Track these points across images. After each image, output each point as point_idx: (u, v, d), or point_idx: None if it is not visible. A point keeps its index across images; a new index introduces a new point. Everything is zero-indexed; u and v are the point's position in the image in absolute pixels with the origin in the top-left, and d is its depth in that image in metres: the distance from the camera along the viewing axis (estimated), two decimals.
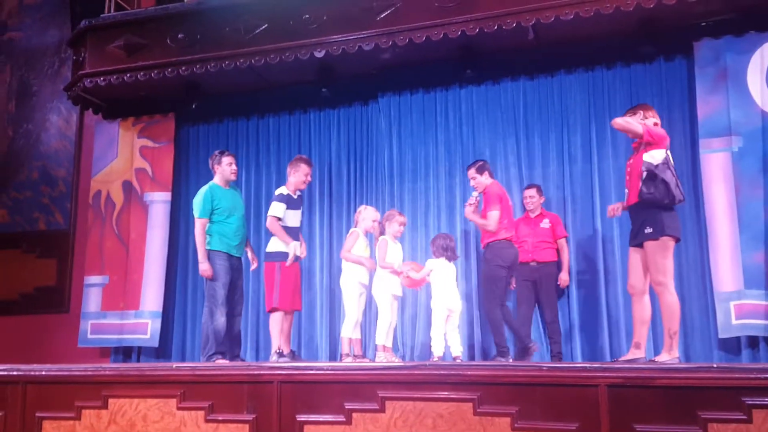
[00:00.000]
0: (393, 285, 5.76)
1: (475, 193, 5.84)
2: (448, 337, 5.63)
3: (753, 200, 5.83)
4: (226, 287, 5.67)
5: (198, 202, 5.77)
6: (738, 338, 5.77)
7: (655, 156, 4.56)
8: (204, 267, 5.64)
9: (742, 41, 6.07)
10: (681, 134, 6.33)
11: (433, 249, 5.82)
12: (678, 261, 6.11)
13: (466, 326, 6.46)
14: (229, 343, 5.78)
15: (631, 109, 4.93)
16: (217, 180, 5.91)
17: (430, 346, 5.65)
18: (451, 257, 5.78)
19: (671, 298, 4.52)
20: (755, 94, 5.96)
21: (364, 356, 5.91)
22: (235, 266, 5.81)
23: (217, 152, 6.03)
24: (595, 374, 3.43)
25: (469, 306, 6.54)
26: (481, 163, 5.97)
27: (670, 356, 4.48)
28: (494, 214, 5.61)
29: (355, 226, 6.02)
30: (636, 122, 4.63)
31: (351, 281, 5.80)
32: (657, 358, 4.62)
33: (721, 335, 5.75)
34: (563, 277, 6.07)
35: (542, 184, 6.61)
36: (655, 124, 4.80)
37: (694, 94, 6.18)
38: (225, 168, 5.89)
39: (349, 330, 5.72)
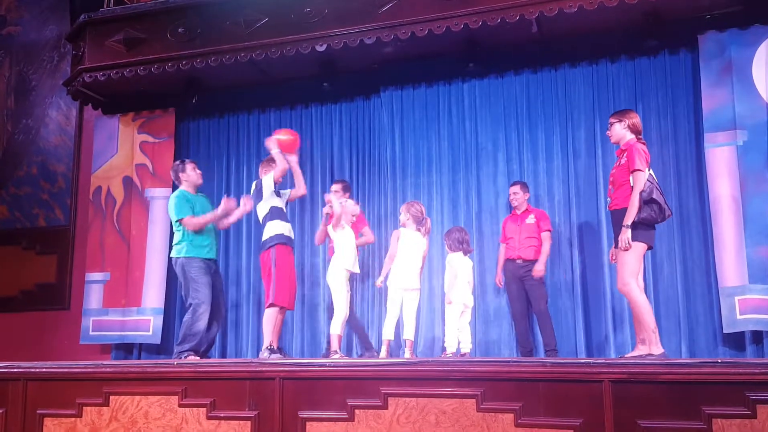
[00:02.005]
0: (405, 279, 5.69)
1: (329, 206, 6.12)
2: (459, 333, 5.60)
3: (758, 195, 5.78)
4: (209, 287, 5.66)
5: (174, 205, 5.73)
6: (743, 333, 5.74)
7: (640, 180, 4.54)
8: (228, 213, 5.72)
9: (747, 34, 6.02)
10: (685, 128, 6.30)
11: (448, 242, 5.74)
12: (682, 255, 6.11)
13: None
14: (206, 344, 5.79)
15: (619, 114, 4.86)
16: (184, 187, 5.86)
17: (443, 341, 5.61)
18: (467, 250, 5.75)
19: (639, 297, 4.56)
20: (760, 87, 5.91)
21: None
22: (213, 269, 5.81)
23: (177, 162, 6.04)
24: (599, 370, 3.42)
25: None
26: (347, 183, 6.55)
27: (658, 351, 4.48)
28: (368, 229, 6.33)
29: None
30: (633, 201, 4.54)
31: (338, 274, 5.72)
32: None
33: (726, 330, 5.72)
34: (537, 268, 5.99)
35: (546, 178, 6.59)
36: (635, 125, 4.74)
37: (699, 88, 6.13)
38: (191, 173, 5.88)
39: (339, 326, 5.64)
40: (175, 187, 7.52)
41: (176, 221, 5.75)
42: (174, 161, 6.14)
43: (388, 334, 5.62)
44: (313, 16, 6.43)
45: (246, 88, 7.45)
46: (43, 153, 8.44)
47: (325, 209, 6.24)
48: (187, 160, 6.06)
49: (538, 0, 5.86)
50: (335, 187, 6.38)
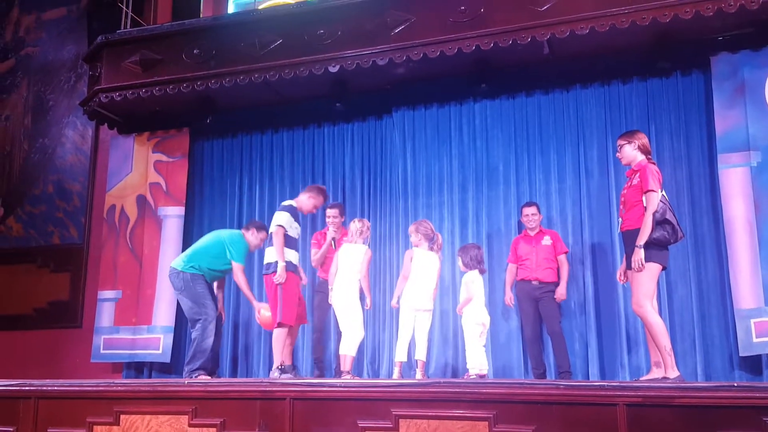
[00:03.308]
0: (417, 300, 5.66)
1: (332, 229, 6.25)
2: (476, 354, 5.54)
3: None
4: (215, 302, 5.76)
5: (241, 248, 5.85)
6: (759, 357, 5.67)
7: (653, 200, 4.54)
8: (264, 313, 5.73)
9: (759, 55, 6.01)
10: (699, 149, 6.27)
11: (465, 260, 5.65)
12: (697, 277, 6.06)
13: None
14: (213, 361, 5.84)
15: (628, 136, 4.85)
16: (247, 238, 5.96)
17: (465, 363, 5.55)
18: (483, 270, 5.72)
19: (654, 318, 4.53)
20: None
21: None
22: (211, 288, 5.91)
23: (260, 223, 6.18)
24: (614, 393, 3.38)
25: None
26: (342, 205, 6.65)
27: (673, 374, 4.43)
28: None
29: (355, 242, 5.83)
30: (647, 221, 4.54)
31: (351, 296, 5.67)
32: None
33: (742, 353, 5.65)
34: (560, 292, 6.00)
35: (558, 199, 6.57)
36: (645, 146, 4.74)
37: (712, 109, 6.12)
38: (257, 242, 6.01)
39: (353, 347, 5.59)
40: (189, 206, 7.63)
41: (236, 262, 5.80)
42: (250, 221, 6.26)
43: (400, 356, 5.57)
44: (326, 38, 6.49)
45: (259, 108, 7.52)
46: (59, 172, 8.54)
47: (330, 233, 6.21)
48: (266, 228, 6.00)
49: (550, 22, 5.89)
50: (333, 212, 6.36)
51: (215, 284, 6.03)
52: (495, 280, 6.57)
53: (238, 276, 5.82)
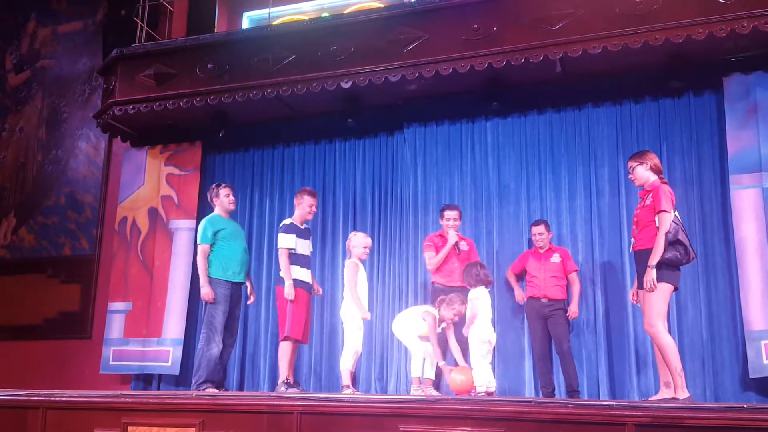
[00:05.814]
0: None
1: (452, 233, 6.06)
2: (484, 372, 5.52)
3: None
4: (225, 314, 5.74)
5: (200, 229, 5.93)
6: None
7: (666, 221, 4.54)
8: (205, 291, 5.74)
9: None
10: (710, 170, 6.25)
11: (469, 280, 5.67)
12: (708, 298, 6.02)
13: None
14: (221, 373, 5.83)
15: (639, 157, 4.85)
16: (217, 211, 6.03)
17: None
18: (489, 282, 5.72)
19: (666, 338, 4.52)
20: None
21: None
22: (235, 295, 5.87)
23: (213, 186, 6.19)
24: (622, 413, 3.37)
25: None
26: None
27: (683, 395, 4.40)
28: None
29: (349, 257, 5.90)
30: (659, 242, 4.54)
31: (354, 312, 5.71)
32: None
33: (752, 375, 5.60)
34: (573, 309, 5.98)
35: (569, 217, 6.56)
36: (657, 166, 4.75)
37: (724, 130, 6.11)
38: (223, 199, 6.05)
39: (351, 361, 5.61)
40: (200, 219, 7.65)
41: (199, 243, 5.90)
42: (209, 189, 6.29)
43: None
44: (339, 54, 6.54)
45: (272, 122, 7.56)
46: (72, 183, 8.61)
47: (452, 237, 6.03)
48: (222, 185, 6.19)
49: (562, 41, 5.92)
50: (453, 213, 6.13)
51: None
52: (505, 298, 6.55)
53: (200, 258, 5.82)
